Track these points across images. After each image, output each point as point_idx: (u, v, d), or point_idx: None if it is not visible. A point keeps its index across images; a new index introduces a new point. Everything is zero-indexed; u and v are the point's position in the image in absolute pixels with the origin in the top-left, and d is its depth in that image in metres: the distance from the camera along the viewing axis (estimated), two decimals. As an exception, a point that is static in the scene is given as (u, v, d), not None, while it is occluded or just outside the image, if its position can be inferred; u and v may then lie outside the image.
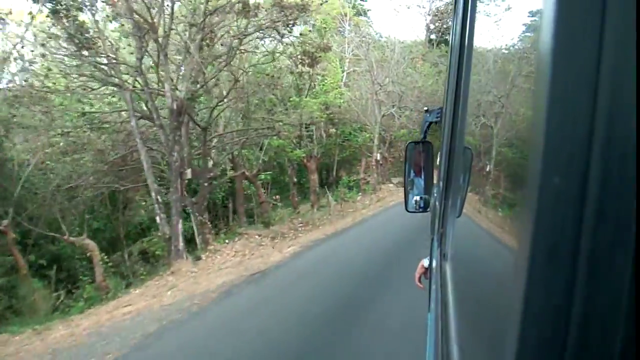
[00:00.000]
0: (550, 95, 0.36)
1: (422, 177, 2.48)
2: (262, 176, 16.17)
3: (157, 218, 10.83)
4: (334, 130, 22.73)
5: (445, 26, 41.15)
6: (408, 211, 2.45)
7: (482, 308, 0.68)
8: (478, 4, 1.09)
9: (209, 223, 11.62)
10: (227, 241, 11.94)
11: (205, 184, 11.62)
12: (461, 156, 1.18)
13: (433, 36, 41.30)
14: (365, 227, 11.76)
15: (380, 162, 21.65)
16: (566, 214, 0.35)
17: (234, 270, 8.69)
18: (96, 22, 11.91)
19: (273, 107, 14.86)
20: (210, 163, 15.26)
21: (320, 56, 13.16)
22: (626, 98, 0.33)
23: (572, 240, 0.35)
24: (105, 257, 10.80)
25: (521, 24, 0.62)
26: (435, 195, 2.18)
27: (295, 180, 16.53)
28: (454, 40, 1.49)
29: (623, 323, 0.34)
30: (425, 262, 2.14)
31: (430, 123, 2.47)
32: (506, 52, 0.84)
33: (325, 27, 30.50)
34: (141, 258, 11.90)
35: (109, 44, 12.53)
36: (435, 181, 2.41)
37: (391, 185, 21.03)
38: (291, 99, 15.39)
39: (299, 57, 12.82)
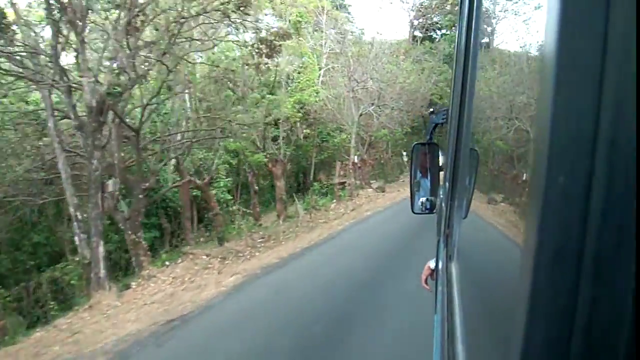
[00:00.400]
0: (555, 96, 0.36)
1: (428, 178, 2.42)
2: (222, 183, 14.28)
3: (76, 239, 8.93)
4: (308, 130, 20.98)
5: (429, 22, 39.73)
6: (414, 213, 2.38)
7: (488, 309, 0.69)
8: (483, 4, 1.10)
9: (143, 242, 9.71)
10: (167, 263, 10.07)
11: (140, 196, 9.74)
12: (467, 157, 1.20)
13: (418, 33, 39.88)
14: (332, 246, 9.94)
15: (359, 164, 19.92)
16: (571, 215, 0.36)
17: (155, 311, 6.84)
18: (13, 4, 10.09)
19: (230, 105, 13.00)
20: (176, 171, 13.46)
21: (280, 45, 11.33)
22: (630, 99, 0.34)
23: (578, 241, 0.35)
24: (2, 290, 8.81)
25: (526, 25, 0.63)
26: (441, 196, 2.15)
27: (257, 188, 14.57)
28: (460, 41, 1.50)
29: (628, 324, 0.34)
30: (432, 264, 2.08)
31: (436, 124, 2.57)
32: (512, 52, 0.83)
33: (300, 21, 28.81)
34: (53, 289, 9.95)
35: (33, 33, 10.71)
36: (441, 182, 2.34)
37: (370, 190, 19.29)
38: (252, 96, 13.54)
39: (256, 45, 10.97)
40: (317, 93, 22.27)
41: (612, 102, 0.34)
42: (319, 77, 24.95)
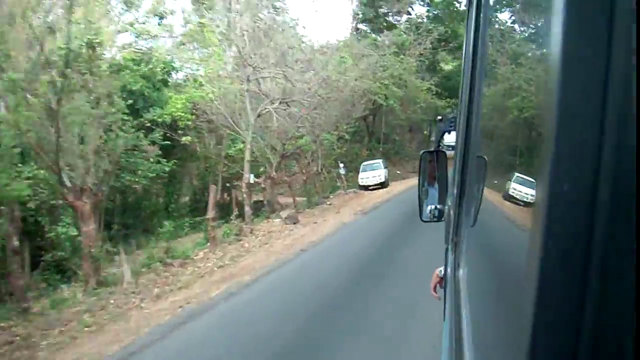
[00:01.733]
0: (561, 103, 0.37)
1: (436, 186, 2.45)
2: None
3: None
4: (188, 137, 15.36)
5: (376, 13, 34.92)
6: (423, 221, 2.39)
7: (496, 316, 0.68)
8: (491, 13, 1.11)
9: None
10: None
11: None
12: (475, 164, 1.20)
13: (363, 26, 35.02)
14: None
15: (263, 184, 14.33)
16: (578, 222, 0.36)
17: None
18: None
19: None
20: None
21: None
22: (635, 106, 0.34)
23: (585, 248, 0.36)
24: None
25: (533, 33, 0.64)
26: (449, 204, 2.19)
27: (16, 243, 8.47)
28: (467, 49, 1.51)
29: (635, 330, 0.34)
30: (441, 272, 2.13)
31: (444, 132, 2.59)
32: (518, 60, 0.85)
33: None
34: None
35: None
36: (449, 190, 2.40)
37: (277, 221, 13.68)
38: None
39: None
40: (213, 90, 16.60)
41: (617, 109, 0.34)
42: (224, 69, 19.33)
